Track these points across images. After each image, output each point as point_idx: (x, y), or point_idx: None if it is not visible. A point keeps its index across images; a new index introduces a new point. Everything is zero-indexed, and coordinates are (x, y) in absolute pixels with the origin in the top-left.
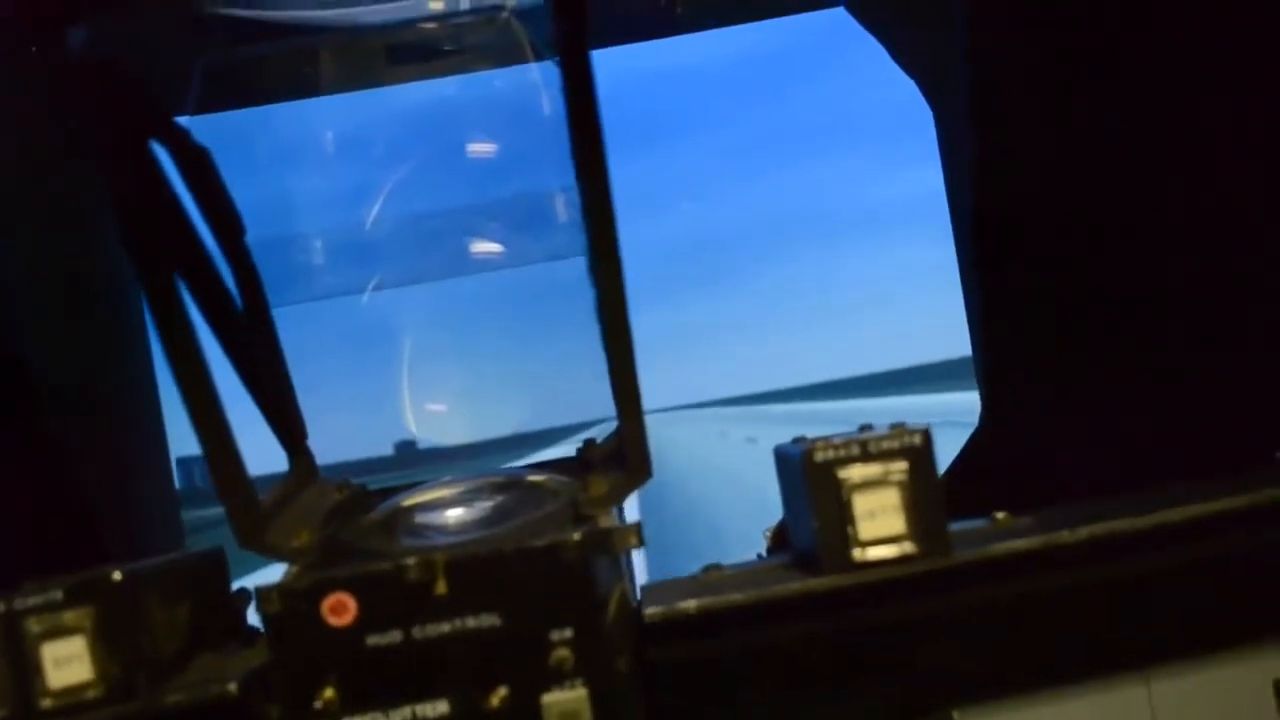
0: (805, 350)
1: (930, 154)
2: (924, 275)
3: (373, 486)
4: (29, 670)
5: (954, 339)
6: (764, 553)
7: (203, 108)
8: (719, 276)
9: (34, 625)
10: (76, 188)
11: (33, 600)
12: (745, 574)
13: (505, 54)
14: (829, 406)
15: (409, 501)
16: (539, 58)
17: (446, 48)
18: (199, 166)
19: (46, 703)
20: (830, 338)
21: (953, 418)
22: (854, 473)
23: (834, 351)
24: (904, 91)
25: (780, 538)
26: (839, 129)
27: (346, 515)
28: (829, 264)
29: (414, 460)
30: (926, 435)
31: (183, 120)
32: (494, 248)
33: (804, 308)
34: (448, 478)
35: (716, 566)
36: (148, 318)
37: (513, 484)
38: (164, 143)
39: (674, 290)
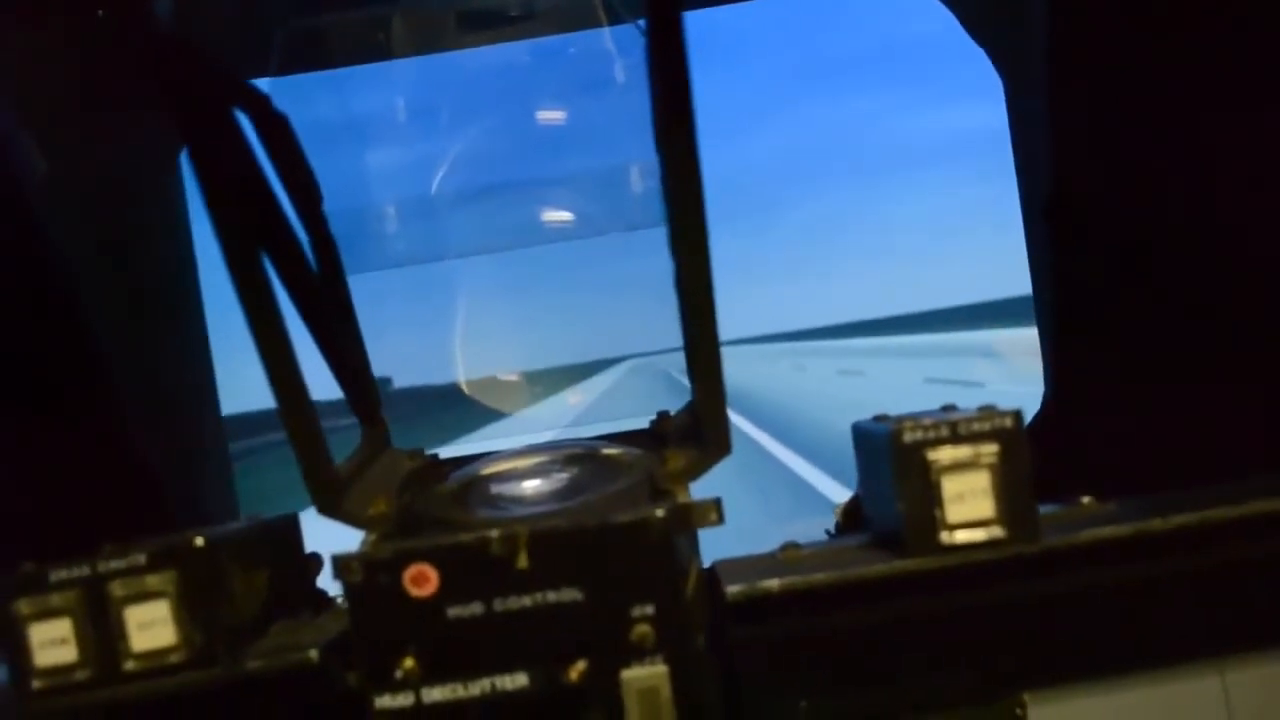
0: (829, 293)
1: (956, 95)
2: (944, 221)
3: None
4: (113, 633)
5: (959, 286)
6: (831, 529)
7: (279, 71)
8: (749, 213)
9: (118, 589)
10: (133, 161)
11: (116, 564)
12: (826, 554)
13: (583, 18)
14: (859, 343)
15: (484, 472)
16: (614, 21)
17: (522, 12)
18: (279, 133)
19: (130, 665)
20: (837, 285)
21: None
22: (943, 454)
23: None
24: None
25: (852, 515)
26: (876, 63)
27: (421, 484)
28: (845, 210)
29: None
30: (1018, 417)
31: (260, 84)
32: (568, 217)
33: (821, 252)
34: (519, 448)
35: (794, 545)
36: (200, 290)
37: (586, 456)
38: (245, 110)
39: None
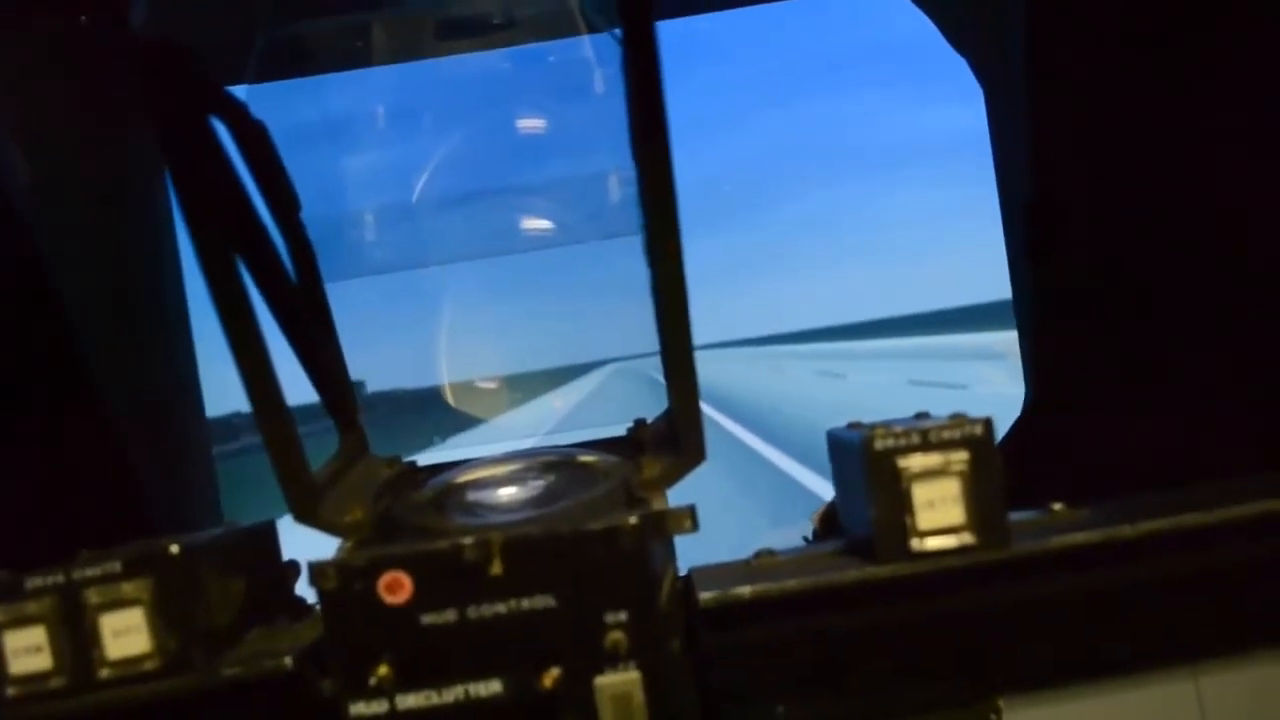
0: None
1: (942, 95)
2: (921, 222)
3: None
4: (88, 641)
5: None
6: (809, 536)
7: (258, 78)
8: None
9: (93, 596)
10: (118, 168)
11: (91, 571)
12: (799, 560)
13: (560, 26)
14: (824, 347)
15: (460, 479)
16: (591, 30)
17: (500, 20)
18: (257, 141)
19: (105, 673)
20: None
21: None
22: (914, 462)
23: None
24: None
25: (828, 522)
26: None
27: (398, 491)
28: (829, 211)
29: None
30: (988, 425)
31: (238, 90)
32: (547, 224)
33: (815, 249)
34: (497, 455)
35: (769, 552)
36: (187, 297)
37: (563, 463)
38: (223, 118)
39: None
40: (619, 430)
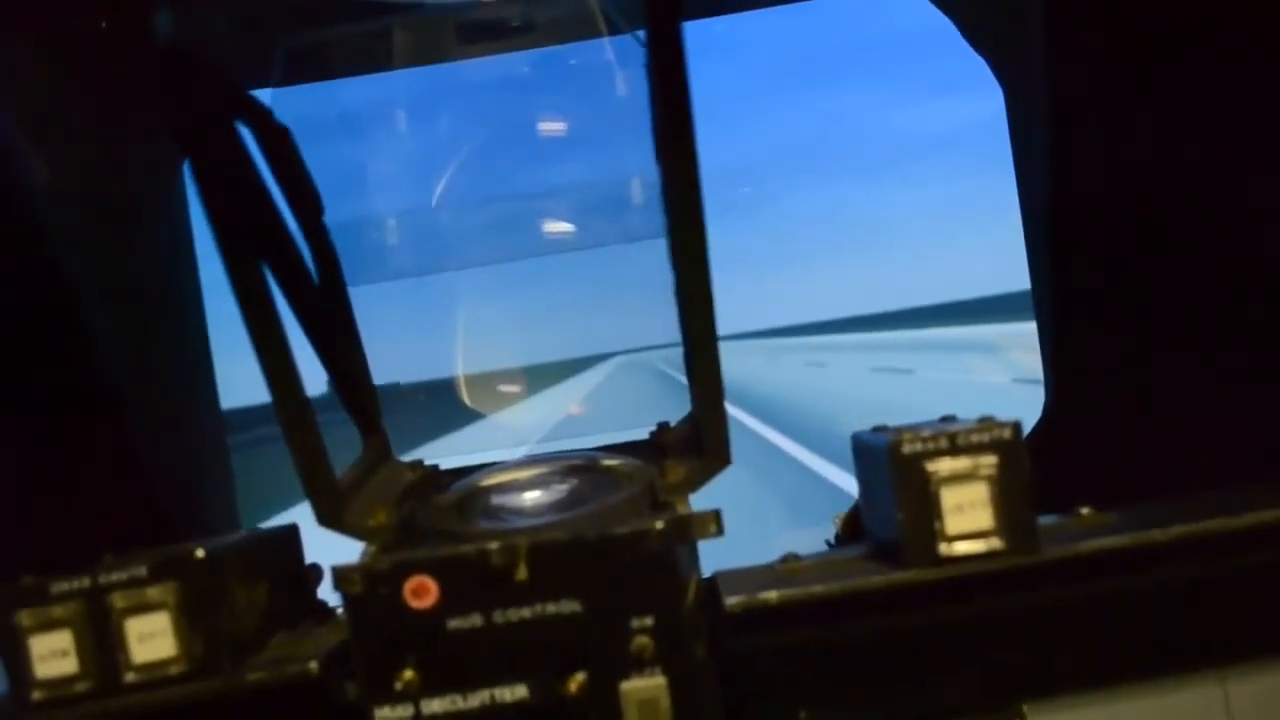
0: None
1: (938, 89)
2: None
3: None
4: (113, 645)
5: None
6: (831, 540)
7: (281, 82)
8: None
9: (119, 600)
10: (135, 168)
11: (117, 575)
12: (825, 565)
13: (582, 29)
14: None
15: (484, 483)
16: (614, 32)
17: (521, 23)
18: (280, 145)
19: (130, 677)
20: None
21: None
22: (942, 466)
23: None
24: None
25: (851, 525)
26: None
27: (421, 495)
28: (824, 206)
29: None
30: (1016, 429)
31: (262, 95)
32: (567, 228)
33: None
34: (520, 459)
35: (795, 556)
36: (203, 300)
37: (586, 467)
38: (247, 122)
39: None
40: (641, 433)
